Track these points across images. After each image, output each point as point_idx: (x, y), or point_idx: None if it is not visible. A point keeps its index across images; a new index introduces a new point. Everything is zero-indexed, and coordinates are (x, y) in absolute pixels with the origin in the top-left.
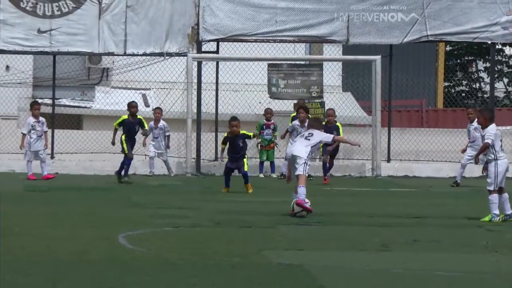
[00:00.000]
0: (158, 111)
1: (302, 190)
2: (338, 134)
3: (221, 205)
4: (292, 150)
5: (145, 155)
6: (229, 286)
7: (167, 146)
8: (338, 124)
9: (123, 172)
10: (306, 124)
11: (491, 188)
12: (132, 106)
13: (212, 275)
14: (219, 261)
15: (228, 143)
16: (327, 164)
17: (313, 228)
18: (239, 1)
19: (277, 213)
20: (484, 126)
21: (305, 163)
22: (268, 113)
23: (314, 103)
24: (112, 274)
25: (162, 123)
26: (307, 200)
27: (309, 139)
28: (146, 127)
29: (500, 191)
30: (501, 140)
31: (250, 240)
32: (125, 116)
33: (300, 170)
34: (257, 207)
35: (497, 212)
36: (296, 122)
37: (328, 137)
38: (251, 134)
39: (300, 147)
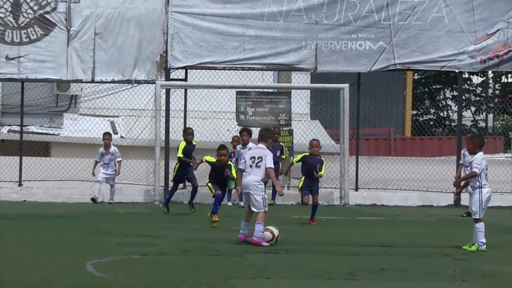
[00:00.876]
0: (107, 136)
1: (259, 228)
2: (321, 169)
3: (189, 233)
4: (247, 186)
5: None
6: None
7: (118, 173)
8: (322, 158)
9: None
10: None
11: (477, 216)
12: (188, 133)
13: None
14: None
15: (212, 169)
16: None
17: (281, 256)
18: (207, 29)
19: (245, 242)
20: (472, 152)
21: (262, 198)
22: (236, 140)
23: (283, 131)
24: None
25: (113, 148)
26: (265, 234)
27: (259, 166)
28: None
29: None
30: (486, 168)
31: (218, 269)
32: (184, 144)
33: (259, 207)
34: (225, 235)
35: (483, 240)
36: (240, 146)
37: (269, 163)
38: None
39: (253, 182)
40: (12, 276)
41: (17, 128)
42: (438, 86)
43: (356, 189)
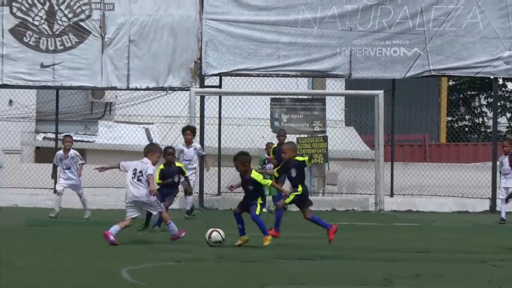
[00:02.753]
0: (68, 139)
1: (171, 227)
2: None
3: (227, 239)
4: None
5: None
6: None
7: (79, 174)
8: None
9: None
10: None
11: None
12: (168, 153)
13: None
14: None
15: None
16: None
17: (315, 262)
18: (241, 36)
19: (279, 247)
20: None
21: (155, 201)
22: (270, 147)
23: (317, 137)
24: None
25: (72, 152)
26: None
27: (140, 180)
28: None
29: None
30: None
31: (253, 275)
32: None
33: (156, 208)
34: (259, 241)
35: None
36: (183, 145)
37: (150, 171)
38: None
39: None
40: (48, 284)
41: (52, 136)
42: (473, 93)
43: (391, 195)
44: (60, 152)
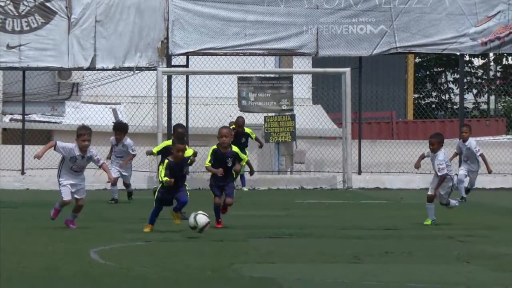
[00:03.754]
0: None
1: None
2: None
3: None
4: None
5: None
6: None
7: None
8: (248, 130)
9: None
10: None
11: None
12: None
13: None
14: (191, 275)
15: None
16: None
17: (284, 240)
18: (208, 15)
19: (248, 227)
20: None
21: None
22: (234, 124)
23: (285, 115)
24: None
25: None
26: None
27: None
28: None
29: None
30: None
31: (222, 254)
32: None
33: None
34: (227, 221)
35: None
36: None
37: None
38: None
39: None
40: (15, 265)
41: (19, 117)
42: (439, 69)
43: (359, 172)
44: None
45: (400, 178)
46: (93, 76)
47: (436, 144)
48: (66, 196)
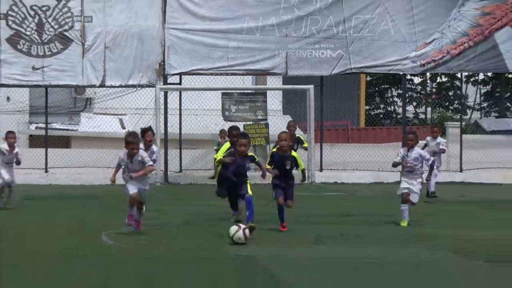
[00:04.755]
0: (11, 135)
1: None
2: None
3: (188, 207)
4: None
5: None
6: (195, 275)
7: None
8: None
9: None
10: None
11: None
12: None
13: (180, 267)
14: (187, 254)
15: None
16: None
17: (262, 226)
18: (197, 42)
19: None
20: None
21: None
22: (223, 133)
23: (260, 124)
24: (97, 267)
25: (18, 149)
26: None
27: None
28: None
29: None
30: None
31: (215, 237)
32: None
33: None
34: (220, 210)
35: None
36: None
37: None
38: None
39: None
40: (40, 247)
41: (43, 125)
42: (386, 86)
43: (321, 170)
44: (4, 146)
45: (354, 174)
46: (103, 92)
47: (414, 140)
48: (132, 190)
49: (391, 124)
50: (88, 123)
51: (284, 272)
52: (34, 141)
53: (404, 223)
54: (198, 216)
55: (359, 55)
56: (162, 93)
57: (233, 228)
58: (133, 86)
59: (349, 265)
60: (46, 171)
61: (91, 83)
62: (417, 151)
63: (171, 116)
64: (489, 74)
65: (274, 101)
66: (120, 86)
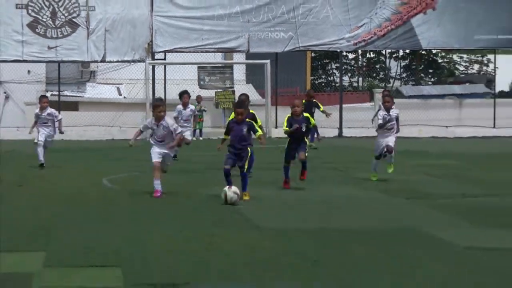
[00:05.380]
0: (45, 99)
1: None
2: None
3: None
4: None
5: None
6: (175, 210)
7: (60, 132)
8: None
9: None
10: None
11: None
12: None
13: (165, 203)
14: (170, 195)
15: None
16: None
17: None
18: (178, 26)
19: (208, 163)
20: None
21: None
22: (199, 98)
23: (228, 91)
24: (101, 203)
25: (50, 110)
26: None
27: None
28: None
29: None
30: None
31: (191, 182)
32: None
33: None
34: (197, 158)
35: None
36: (181, 106)
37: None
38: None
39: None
40: (53, 186)
41: (56, 93)
42: (327, 60)
43: (276, 127)
44: (37, 110)
45: None
46: (104, 66)
47: (391, 102)
48: (154, 158)
49: (331, 90)
50: (92, 91)
51: (254, 212)
52: (50, 106)
53: (374, 177)
54: (181, 164)
55: (305, 36)
56: (151, 67)
57: (230, 194)
58: (127, 61)
59: (303, 202)
60: (62, 133)
61: (94, 59)
62: (395, 111)
63: (157, 85)
64: (407, 50)
65: (239, 73)
66: (117, 61)
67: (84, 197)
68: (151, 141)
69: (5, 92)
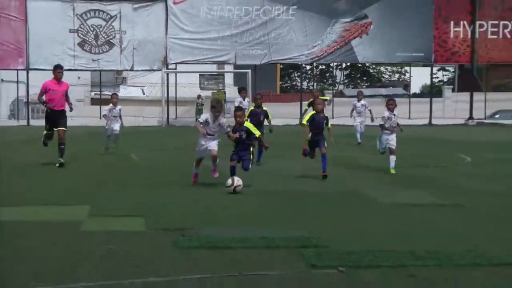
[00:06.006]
0: (115, 96)
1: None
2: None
3: (181, 140)
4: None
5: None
6: (177, 181)
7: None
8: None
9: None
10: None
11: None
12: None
13: (170, 173)
14: (176, 169)
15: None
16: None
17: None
18: (185, 45)
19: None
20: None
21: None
22: (199, 97)
23: (220, 91)
24: (128, 171)
25: (119, 107)
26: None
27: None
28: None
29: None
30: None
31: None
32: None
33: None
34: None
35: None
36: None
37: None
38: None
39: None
40: (96, 160)
41: (98, 93)
42: (291, 70)
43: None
44: (110, 105)
45: (275, 121)
46: (132, 73)
47: (394, 105)
48: (197, 156)
49: (294, 92)
50: (123, 91)
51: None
52: (94, 102)
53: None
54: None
55: (276, 53)
56: (165, 74)
57: (229, 181)
58: (149, 70)
59: (280, 174)
60: (100, 118)
61: (125, 69)
62: (396, 114)
63: (170, 87)
64: (348, 63)
65: (229, 79)
66: (142, 70)
67: (114, 167)
68: (200, 136)
69: None
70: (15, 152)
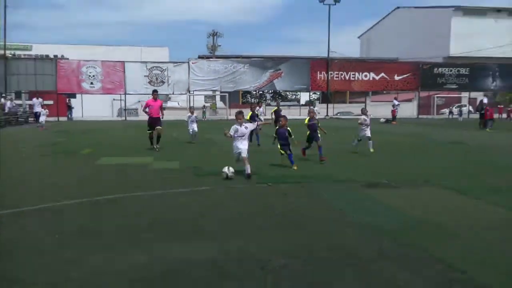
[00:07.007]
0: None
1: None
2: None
3: (206, 135)
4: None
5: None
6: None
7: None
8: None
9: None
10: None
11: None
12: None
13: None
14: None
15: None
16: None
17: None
18: (198, 82)
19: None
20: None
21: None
22: (204, 106)
23: (213, 104)
24: (176, 146)
25: (195, 114)
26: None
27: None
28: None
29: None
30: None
31: (209, 154)
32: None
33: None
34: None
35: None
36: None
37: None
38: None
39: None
40: (129, 144)
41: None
42: (248, 94)
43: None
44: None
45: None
46: (173, 94)
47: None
48: (234, 150)
49: (247, 103)
50: (169, 104)
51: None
52: (127, 115)
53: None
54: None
55: (240, 85)
56: (189, 96)
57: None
58: (180, 94)
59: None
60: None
61: (169, 93)
62: (369, 116)
63: (192, 102)
64: (272, 90)
65: (218, 97)
66: (178, 93)
67: (142, 149)
68: (235, 136)
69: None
70: (123, 132)
